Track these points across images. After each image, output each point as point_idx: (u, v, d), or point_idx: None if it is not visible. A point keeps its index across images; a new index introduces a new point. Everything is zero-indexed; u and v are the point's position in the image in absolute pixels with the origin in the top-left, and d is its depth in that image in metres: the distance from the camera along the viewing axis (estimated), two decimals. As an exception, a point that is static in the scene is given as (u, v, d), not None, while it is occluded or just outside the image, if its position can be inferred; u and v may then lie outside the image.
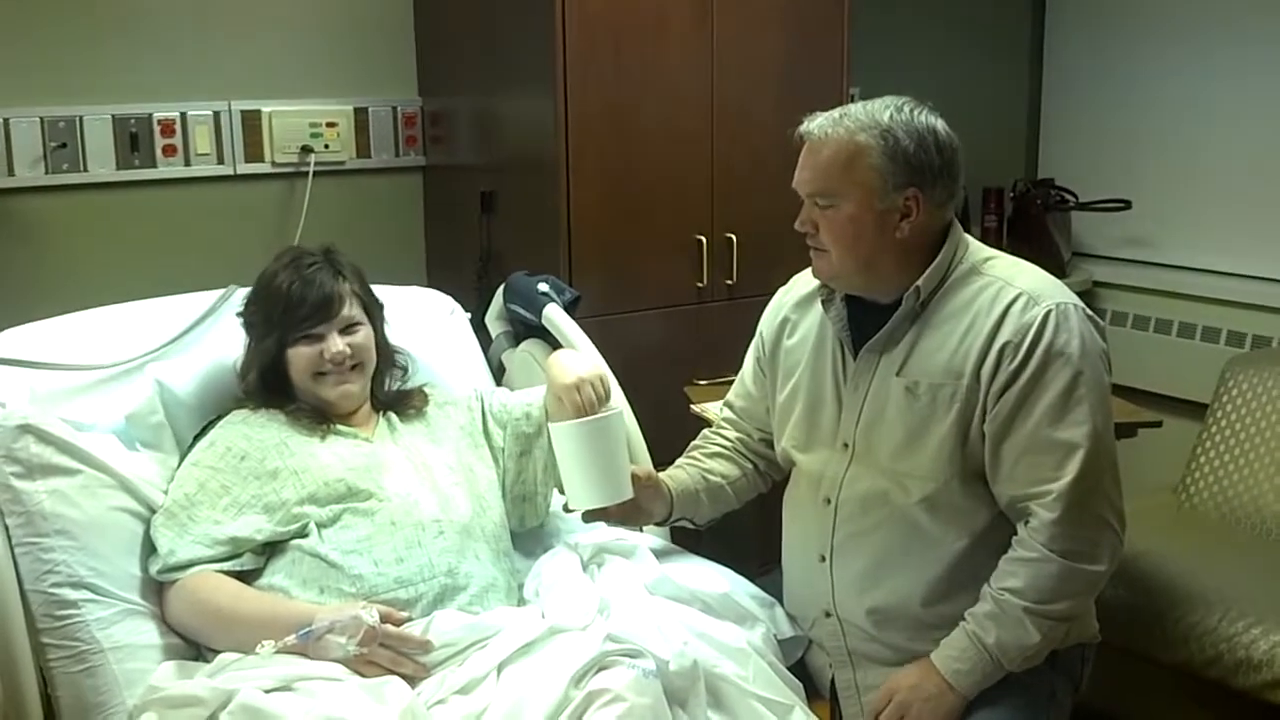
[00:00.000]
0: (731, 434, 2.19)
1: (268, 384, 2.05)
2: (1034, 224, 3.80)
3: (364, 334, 2.08)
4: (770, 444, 2.14)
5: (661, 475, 2.09)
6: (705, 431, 2.24)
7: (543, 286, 2.48)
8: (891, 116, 1.84)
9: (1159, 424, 2.80)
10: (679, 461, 2.17)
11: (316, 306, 2.02)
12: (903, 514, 1.89)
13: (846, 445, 1.94)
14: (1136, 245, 3.85)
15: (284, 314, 2.02)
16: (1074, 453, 1.78)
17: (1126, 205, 3.73)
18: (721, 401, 2.27)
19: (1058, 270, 3.60)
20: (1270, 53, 3.49)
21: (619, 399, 1.90)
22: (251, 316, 2.07)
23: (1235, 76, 3.58)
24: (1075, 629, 1.97)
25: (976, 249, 1.94)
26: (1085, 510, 1.79)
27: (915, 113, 1.86)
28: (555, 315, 2.43)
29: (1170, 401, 3.48)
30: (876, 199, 1.84)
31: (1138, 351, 3.62)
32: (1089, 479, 1.78)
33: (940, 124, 1.87)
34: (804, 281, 2.09)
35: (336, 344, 2.03)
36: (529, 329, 2.52)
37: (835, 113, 1.87)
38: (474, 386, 2.25)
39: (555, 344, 2.45)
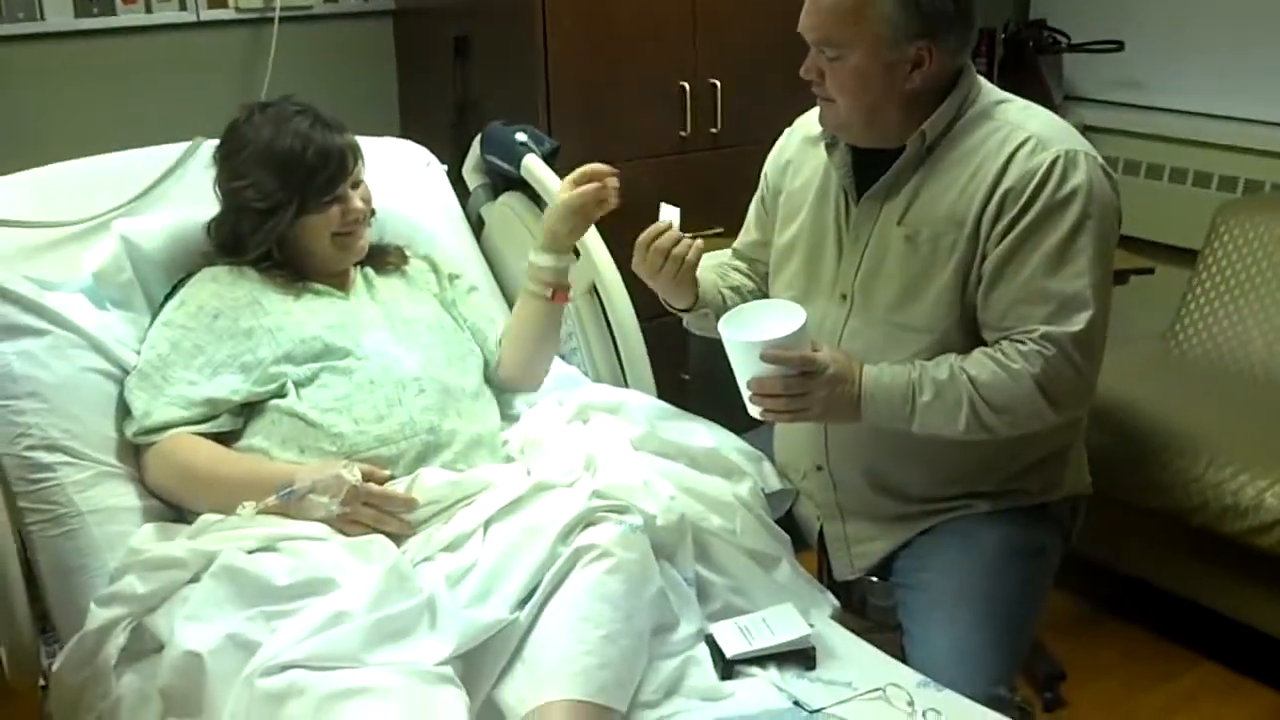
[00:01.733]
0: (743, 265, 2.16)
1: (245, 247, 1.97)
2: (1025, 67, 3.71)
3: (366, 186, 2.03)
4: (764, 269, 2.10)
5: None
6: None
7: (521, 136, 2.42)
8: None
9: (1151, 271, 2.79)
10: (705, 265, 2.10)
11: (339, 166, 1.95)
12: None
13: (845, 296, 1.91)
14: (1129, 88, 3.78)
15: (306, 179, 1.93)
16: (1070, 305, 1.75)
17: (1119, 46, 3.65)
18: (729, 250, 2.21)
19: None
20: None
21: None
22: (253, 188, 1.94)
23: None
24: (1069, 480, 1.96)
25: (989, 92, 1.87)
26: (1069, 362, 1.77)
27: None
28: (535, 166, 2.37)
29: (1161, 248, 3.45)
30: (886, 49, 1.76)
31: (1129, 197, 3.44)
32: (1083, 333, 1.76)
33: None
34: (809, 122, 2.02)
35: (356, 202, 1.98)
36: (508, 181, 2.47)
37: None
38: (440, 268, 2.20)
39: (535, 196, 2.41)
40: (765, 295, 2.08)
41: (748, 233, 2.14)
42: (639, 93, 2.87)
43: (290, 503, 1.73)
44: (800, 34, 1.82)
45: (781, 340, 1.73)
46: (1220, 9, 3.55)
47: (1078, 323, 1.75)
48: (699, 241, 1.94)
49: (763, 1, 2.88)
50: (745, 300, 2.07)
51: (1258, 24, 3.47)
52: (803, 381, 1.75)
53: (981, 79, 1.89)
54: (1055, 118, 1.86)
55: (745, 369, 1.77)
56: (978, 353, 1.80)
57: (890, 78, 1.78)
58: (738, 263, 2.14)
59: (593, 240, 2.24)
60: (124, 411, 1.88)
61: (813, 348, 1.77)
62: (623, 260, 2.22)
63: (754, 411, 1.79)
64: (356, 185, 2.01)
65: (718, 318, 1.97)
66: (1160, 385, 2.86)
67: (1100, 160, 1.81)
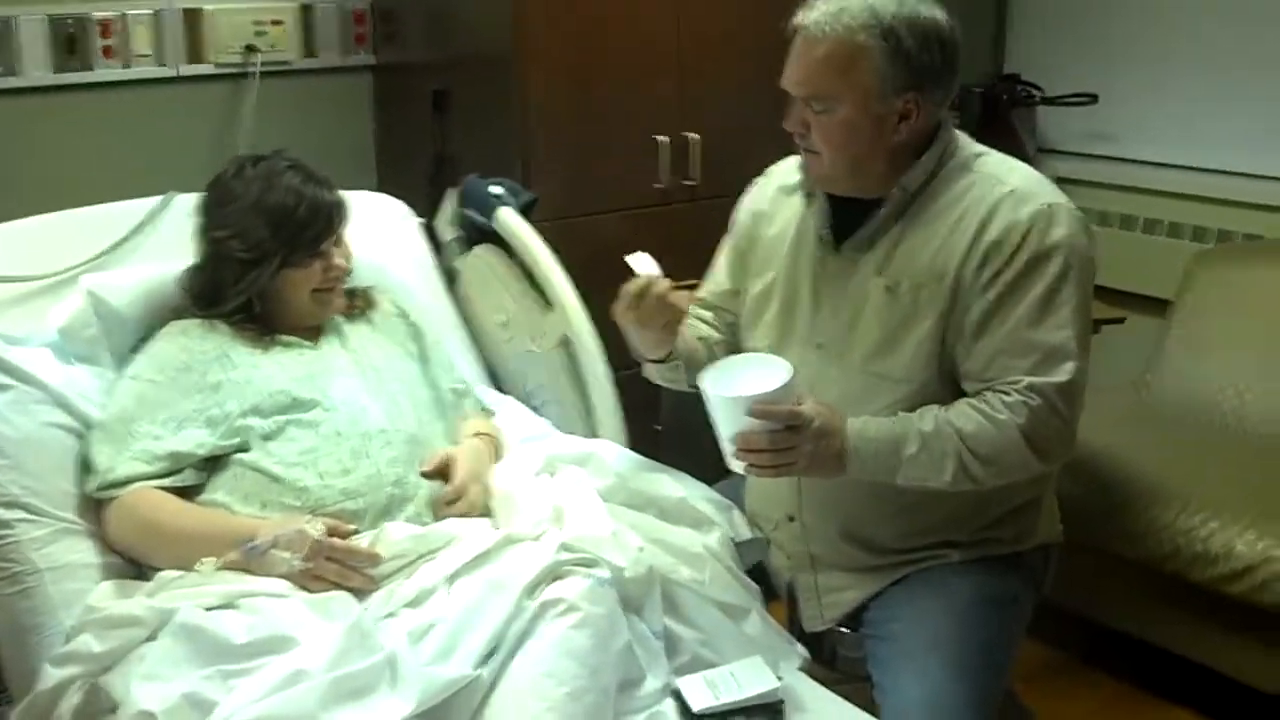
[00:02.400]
0: (708, 315, 2.13)
1: (223, 298, 1.96)
2: (1000, 120, 3.71)
3: (347, 244, 2.03)
4: (734, 328, 2.09)
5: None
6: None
7: (496, 189, 2.42)
8: (894, 13, 1.75)
9: (1122, 320, 2.78)
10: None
11: (327, 223, 1.96)
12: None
13: (821, 345, 1.90)
14: (1102, 140, 3.79)
15: (295, 233, 1.93)
16: (1053, 356, 1.75)
17: (1093, 99, 3.66)
18: (693, 302, 2.19)
19: (1022, 167, 3.54)
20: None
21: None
22: (239, 239, 1.93)
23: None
24: (1042, 529, 1.95)
25: (967, 145, 1.88)
26: (1055, 412, 1.76)
27: (919, 5, 1.78)
28: (509, 218, 2.36)
29: (1134, 298, 3.44)
30: (875, 101, 1.76)
31: (1102, 248, 3.52)
32: (1067, 383, 1.76)
33: (943, 16, 1.79)
34: (784, 171, 2.02)
35: (338, 259, 1.99)
36: (482, 234, 2.46)
37: (834, 5, 1.77)
38: (410, 318, 2.19)
39: (509, 249, 2.39)
40: (732, 345, 2.07)
41: (716, 282, 2.12)
42: (616, 145, 2.87)
43: (252, 558, 1.70)
44: (783, 87, 1.82)
45: (768, 395, 1.71)
46: (1191, 63, 3.57)
47: (1062, 373, 1.75)
48: (691, 292, 1.93)
49: (741, 56, 2.89)
50: (713, 351, 2.05)
51: (1228, 77, 3.49)
52: (789, 436, 1.73)
53: (959, 132, 1.89)
54: (1033, 171, 1.86)
55: (729, 424, 1.74)
56: (962, 404, 1.79)
57: (878, 130, 1.78)
58: (702, 312, 2.12)
59: (564, 292, 2.23)
60: (86, 466, 1.85)
61: (797, 400, 1.76)
62: (595, 312, 2.22)
63: (737, 467, 1.77)
64: (339, 243, 2.00)
65: (689, 369, 1.96)
66: (1132, 433, 2.85)
67: (1079, 213, 1.82)
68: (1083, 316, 1.79)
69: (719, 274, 2.12)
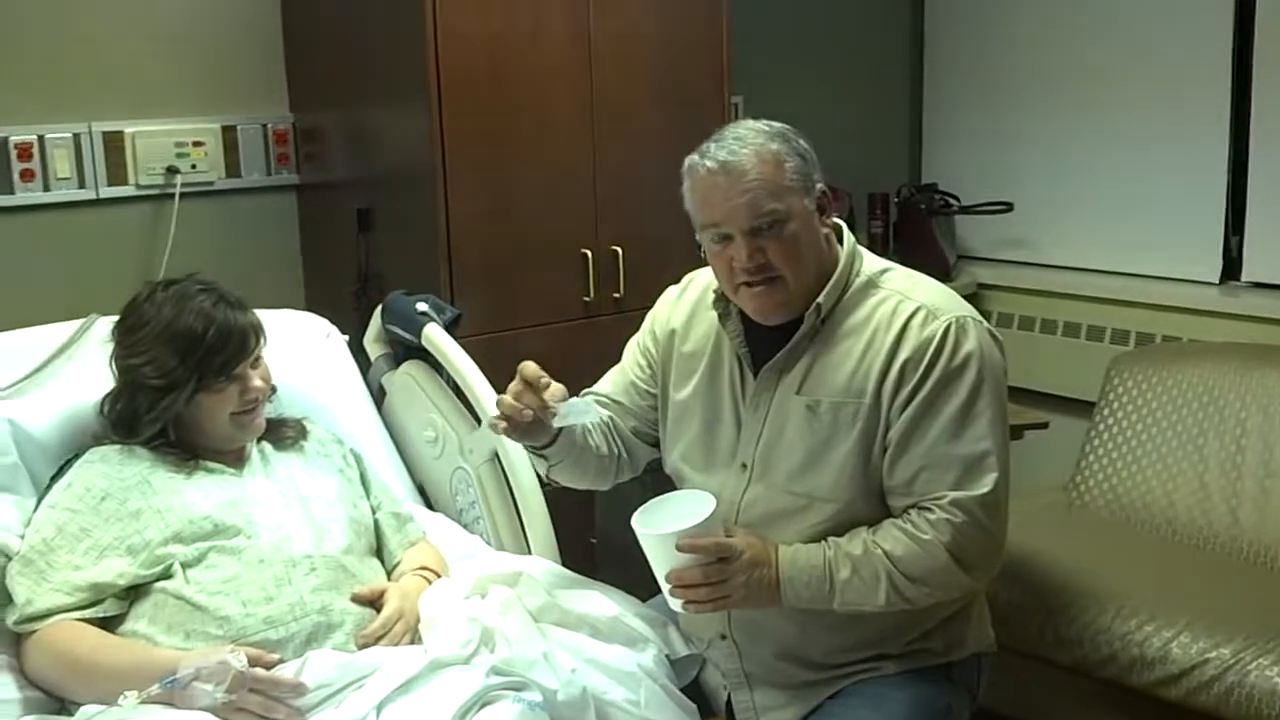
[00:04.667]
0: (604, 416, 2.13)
1: (140, 426, 1.95)
2: (919, 229, 3.84)
3: (265, 364, 2.03)
4: (638, 435, 2.09)
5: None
6: None
7: (422, 306, 2.44)
8: (766, 122, 1.86)
9: (1045, 425, 2.83)
10: None
11: (239, 346, 1.95)
12: (803, 538, 1.86)
13: (745, 466, 1.92)
14: (1019, 247, 3.90)
15: (204, 359, 1.93)
16: (974, 468, 1.79)
17: (1009, 208, 3.78)
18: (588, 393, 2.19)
19: (943, 274, 3.64)
20: (1146, 49, 3.55)
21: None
22: (151, 365, 1.93)
23: (1111, 75, 3.63)
24: (973, 638, 1.97)
25: (871, 261, 1.94)
26: (979, 526, 1.79)
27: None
28: (435, 335, 2.38)
29: (1058, 400, 3.52)
30: (807, 200, 1.84)
31: (1024, 352, 3.65)
32: (990, 495, 1.79)
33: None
34: (698, 285, 2.06)
35: (254, 381, 1.98)
36: (409, 350, 2.48)
37: (730, 139, 1.83)
38: (347, 445, 2.20)
39: (436, 365, 2.41)
40: (619, 437, 2.08)
41: (621, 376, 2.11)
42: (541, 260, 2.90)
43: (174, 691, 1.67)
44: (720, 232, 1.83)
45: (693, 530, 1.75)
46: (1104, 170, 3.70)
47: (984, 485, 1.79)
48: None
49: (661, 172, 2.91)
50: (596, 440, 2.06)
51: (1142, 184, 3.61)
52: (721, 568, 1.76)
53: (862, 248, 1.96)
54: (938, 285, 1.92)
55: (661, 562, 1.78)
56: (888, 525, 1.83)
57: (816, 228, 1.85)
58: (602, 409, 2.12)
59: (493, 406, 2.22)
60: (5, 598, 1.82)
61: (725, 532, 1.79)
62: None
63: (675, 605, 1.80)
64: (256, 364, 2.00)
65: (593, 456, 1.98)
66: (1063, 537, 2.89)
67: (985, 324, 1.87)
68: (1000, 426, 1.83)
69: (625, 370, 2.13)
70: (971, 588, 1.86)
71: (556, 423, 1.87)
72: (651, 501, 1.85)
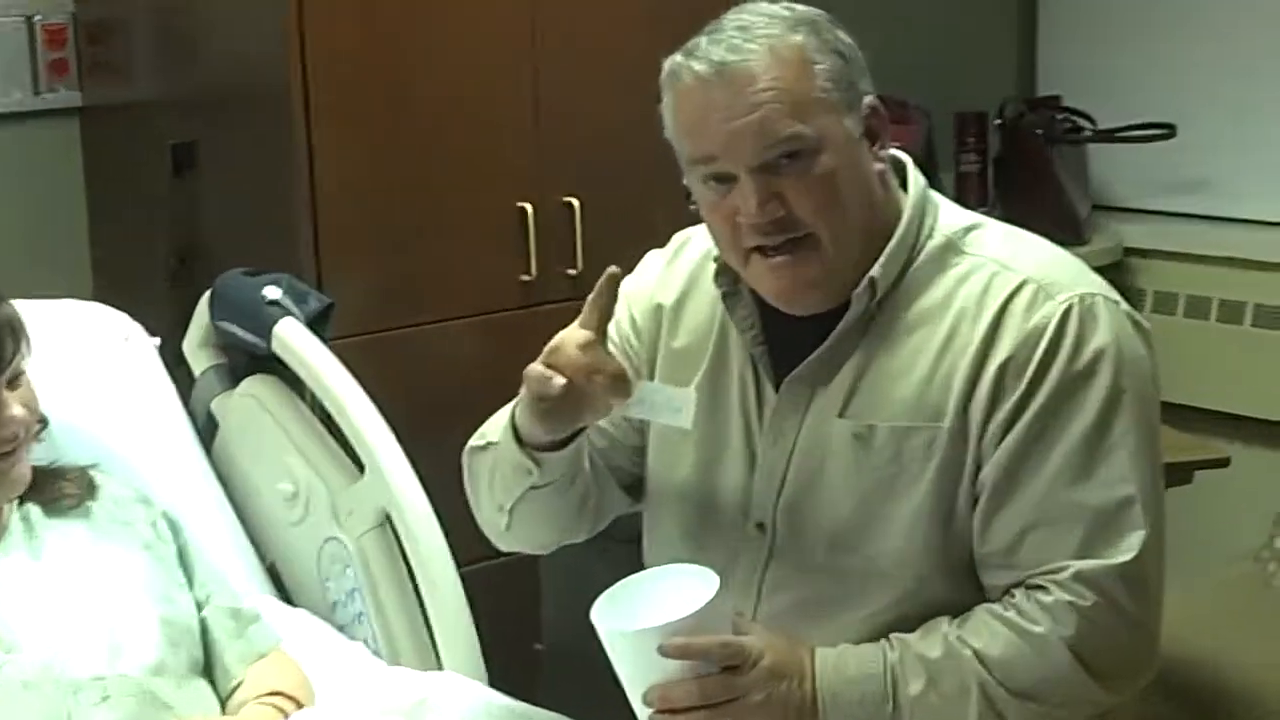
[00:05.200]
0: None
1: None
2: (1033, 165, 3.84)
3: (28, 383, 2.02)
4: (614, 474, 2.10)
5: None
6: None
7: (272, 292, 2.43)
8: (777, 11, 1.86)
9: (1225, 462, 2.83)
10: None
11: None
12: (854, 636, 1.86)
13: (763, 527, 1.93)
14: (1187, 192, 3.91)
15: None
16: (1110, 524, 1.79)
17: (1170, 132, 3.78)
18: None
19: (1071, 234, 3.65)
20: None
21: None
22: None
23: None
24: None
25: (951, 214, 1.95)
26: (1118, 613, 1.79)
27: None
28: (293, 336, 2.37)
29: (1244, 425, 3.53)
30: (846, 117, 1.84)
31: (1193, 352, 3.66)
32: (1134, 564, 1.79)
33: None
34: (694, 249, 2.07)
35: (12, 409, 1.97)
36: (254, 359, 2.48)
37: (725, 33, 1.83)
38: (155, 505, 2.18)
39: (296, 381, 2.40)
40: (597, 504, 2.09)
41: None
42: (457, 220, 2.92)
43: None
44: (720, 170, 1.83)
45: (685, 623, 1.73)
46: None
47: (1125, 550, 1.79)
48: None
49: (630, 91, 2.93)
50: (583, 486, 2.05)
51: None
52: (727, 682, 1.76)
53: (938, 196, 1.96)
54: (1055, 249, 1.93)
55: (638, 673, 1.77)
56: (981, 613, 1.83)
57: (863, 168, 1.86)
58: None
59: (382, 445, 2.23)
60: None
61: (735, 629, 1.78)
62: (433, 474, 2.23)
63: None
64: (14, 384, 2.00)
65: (577, 493, 2.00)
66: (1251, 632, 2.89)
67: (1125, 306, 1.87)
68: (1149, 461, 1.83)
69: None
70: (1106, 703, 1.85)
71: (632, 411, 1.87)
72: (624, 582, 1.83)
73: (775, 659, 1.78)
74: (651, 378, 2.04)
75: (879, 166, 1.88)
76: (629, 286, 2.06)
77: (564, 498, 2.01)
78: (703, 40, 1.84)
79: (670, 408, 1.87)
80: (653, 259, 2.12)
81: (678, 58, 1.85)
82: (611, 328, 2.06)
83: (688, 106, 1.84)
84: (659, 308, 2.06)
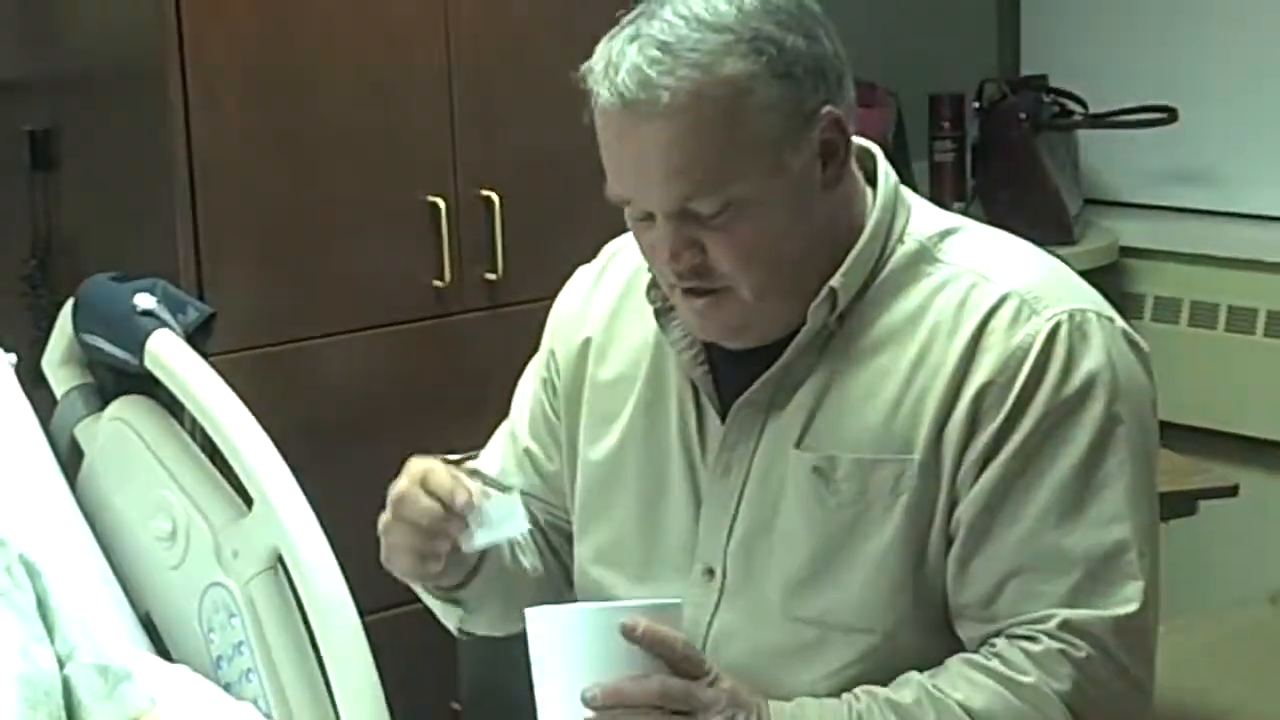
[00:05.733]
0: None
1: None
2: (1016, 154, 3.86)
3: None
4: (559, 534, 2.11)
5: None
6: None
7: (144, 301, 2.42)
8: (740, 3, 1.80)
9: (1233, 491, 2.84)
10: None
11: None
12: (815, 693, 1.86)
13: (711, 572, 1.93)
14: (1191, 184, 3.94)
15: None
16: (1103, 571, 1.80)
17: (1171, 116, 3.80)
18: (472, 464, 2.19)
19: (1060, 231, 3.69)
20: None
21: None
22: None
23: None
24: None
25: (926, 216, 1.95)
26: (1113, 667, 1.79)
27: None
28: (168, 351, 2.36)
29: (1254, 448, 3.55)
30: (788, 153, 1.81)
31: (1198, 367, 3.69)
32: (1131, 617, 1.79)
33: None
34: (624, 264, 2.06)
35: None
36: (124, 377, 2.47)
37: (645, 48, 1.78)
38: (9, 547, 2.16)
39: (173, 403, 2.40)
40: (553, 531, 2.11)
41: (511, 439, 2.15)
42: (358, 218, 2.93)
43: None
44: (639, 208, 1.82)
45: (649, 613, 1.74)
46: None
47: (1120, 601, 1.79)
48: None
49: (560, 69, 2.94)
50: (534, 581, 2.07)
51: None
52: (690, 690, 1.75)
53: (908, 193, 1.96)
54: (1042, 256, 1.93)
55: (583, 665, 1.75)
56: (957, 664, 1.83)
57: (805, 194, 1.83)
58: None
59: (272, 476, 2.23)
60: None
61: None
62: (331, 507, 2.23)
63: None
64: None
65: (528, 584, 2.00)
66: (1267, 685, 2.88)
67: (1120, 323, 1.88)
68: (1145, 498, 1.84)
69: (514, 420, 2.15)
70: None
71: (475, 543, 1.85)
72: (562, 606, 1.85)
73: (735, 685, 1.78)
74: (575, 423, 2.05)
75: (837, 175, 1.85)
76: (553, 317, 2.11)
77: (517, 588, 2.03)
78: (618, 46, 1.79)
79: (505, 514, 1.86)
80: (581, 277, 2.12)
81: (595, 63, 1.82)
82: (537, 368, 2.12)
83: (602, 128, 1.83)
84: (586, 343, 2.05)
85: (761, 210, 1.80)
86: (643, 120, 1.77)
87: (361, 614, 2.19)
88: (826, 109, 1.82)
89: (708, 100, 1.77)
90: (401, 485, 1.84)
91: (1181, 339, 3.78)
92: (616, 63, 1.78)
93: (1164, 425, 1.91)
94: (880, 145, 1.98)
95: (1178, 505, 2.50)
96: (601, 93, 1.79)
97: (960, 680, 1.80)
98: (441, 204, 2.98)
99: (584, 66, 1.83)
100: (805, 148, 1.82)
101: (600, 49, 1.82)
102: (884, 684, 1.83)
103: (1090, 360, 1.81)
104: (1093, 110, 3.89)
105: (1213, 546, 2.92)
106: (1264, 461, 3.48)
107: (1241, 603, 3.16)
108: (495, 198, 3.01)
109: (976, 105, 3.95)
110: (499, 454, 2.14)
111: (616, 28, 1.83)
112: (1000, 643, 1.81)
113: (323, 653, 2.22)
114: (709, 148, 1.77)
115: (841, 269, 1.85)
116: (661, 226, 1.80)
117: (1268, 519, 3.22)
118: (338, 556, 2.19)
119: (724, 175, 1.78)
